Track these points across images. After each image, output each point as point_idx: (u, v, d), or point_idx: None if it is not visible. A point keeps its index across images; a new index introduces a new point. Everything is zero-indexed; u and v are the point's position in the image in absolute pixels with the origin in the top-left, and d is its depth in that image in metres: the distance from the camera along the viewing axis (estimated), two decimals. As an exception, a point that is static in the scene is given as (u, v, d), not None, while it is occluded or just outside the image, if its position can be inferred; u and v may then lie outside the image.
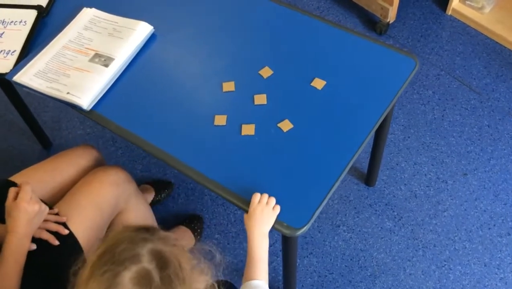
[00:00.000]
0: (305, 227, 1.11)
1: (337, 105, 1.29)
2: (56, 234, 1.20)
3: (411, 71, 1.35)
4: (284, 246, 1.28)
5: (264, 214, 1.10)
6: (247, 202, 1.14)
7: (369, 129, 1.24)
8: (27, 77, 1.37)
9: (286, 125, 1.26)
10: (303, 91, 1.32)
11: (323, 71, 1.36)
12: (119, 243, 0.79)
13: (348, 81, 1.34)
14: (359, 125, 1.25)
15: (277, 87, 1.34)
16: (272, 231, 1.14)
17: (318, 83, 1.33)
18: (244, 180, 1.19)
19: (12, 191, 1.12)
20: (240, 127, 1.27)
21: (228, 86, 1.35)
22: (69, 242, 1.22)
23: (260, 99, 1.32)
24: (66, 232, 1.22)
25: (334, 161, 1.20)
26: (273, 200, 1.13)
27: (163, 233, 0.85)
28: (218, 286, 1.26)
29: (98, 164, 1.47)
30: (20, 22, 1.50)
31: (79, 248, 1.23)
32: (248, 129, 1.27)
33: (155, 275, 0.77)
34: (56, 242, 1.20)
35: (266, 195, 1.13)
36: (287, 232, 1.12)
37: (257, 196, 1.13)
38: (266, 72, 1.37)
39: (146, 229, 0.84)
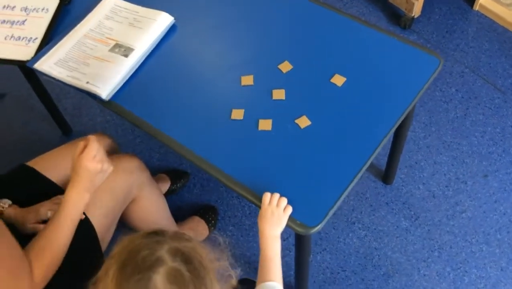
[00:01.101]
0: (318, 226, 1.10)
1: (357, 103, 1.27)
2: None
3: (435, 70, 1.32)
4: (297, 243, 1.27)
5: (274, 216, 1.09)
6: (261, 199, 1.14)
7: (388, 129, 1.22)
8: (48, 65, 1.38)
9: (303, 122, 1.25)
10: (322, 87, 1.31)
11: (344, 67, 1.33)
12: (136, 252, 0.79)
13: (369, 78, 1.31)
14: (378, 124, 1.23)
15: (296, 82, 1.32)
16: (286, 225, 1.13)
17: (338, 80, 1.31)
18: (259, 176, 1.18)
19: (80, 145, 1.11)
20: (257, 122, 1.26)
21: (247, 80, 1.34)
22: (85, 227, 1.23)
23: (279, 94, 1.31)
24: (82, 216, 1.23)
25: (351, 160, 1.19)
26: (284, 201, 1.11)
27: (172, 231, 0.86)
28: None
29: (112, 152, 1.48)
30: (43, 9, 1.51)
31: (94, 233, 1.24)
32: (265, 124, 1.26)
33: (184, 271, 0.78)
34: None
35: (276, 196, 1.11)
36: (300, 230, 1.11)
37: (267, 197, 1.11)
38: (285, 66, 1.35)
39: (155, 233, 0.84)
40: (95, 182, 1.12)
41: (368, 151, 1.19)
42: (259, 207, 1.13)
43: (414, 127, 1.98)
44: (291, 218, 1.12)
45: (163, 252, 0.79)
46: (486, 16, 2.29)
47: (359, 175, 1.16)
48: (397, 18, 2.30)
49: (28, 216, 1.21)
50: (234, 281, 0.90)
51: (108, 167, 1.14)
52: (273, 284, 1.08)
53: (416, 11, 2.22)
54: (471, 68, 2.13)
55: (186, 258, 0.79)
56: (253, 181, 1.17)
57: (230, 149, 1.23)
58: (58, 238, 1.06)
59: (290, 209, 1.11)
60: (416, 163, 1.90)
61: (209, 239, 1.74)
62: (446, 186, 1.84)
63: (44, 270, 1.02)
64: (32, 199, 1.25)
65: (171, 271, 0.77)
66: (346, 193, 1.14)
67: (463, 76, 2.11)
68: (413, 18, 2.24)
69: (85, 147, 1.10)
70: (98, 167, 1.11)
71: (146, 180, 1.44)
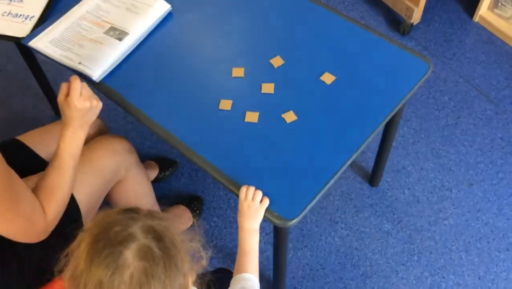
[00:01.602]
0: (295, 219, 1.11)
1: (344, 102, 1.29)
2: None
3: (423, 74, 1.33)
4: (275, 236, 1.29)
5: (251, 210, 1.11)
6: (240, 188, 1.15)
7: (372, 130, 1.23)
8: (42, 43, 1.39)
9: (290, 117, 1.26)
10: (311, 84, 1.32)
11: (334, 66, 1.35)
12: (109, 227, 0.80)
13: (358, 78, 1.33)
14: (363, 124, 1.25)
15: (286, 78, 1.34)
16: (264, 217, 1.14)
17: (328, 78, 1.33)
18: (241, 166, 1.19)
19: (63, 87, 1.11)
20: (244, 113, 1.27)
21: (238, 72, 1.35)
22: (69, 204, 1.24)
23: (268, 88, 1.32)
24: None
25: (334, 157, 1.20)
26: (259, 194, 1.12)
27: (145, 210, 0.87)
28: (215, 273, 1.28)
29: (102, 133, 1.50)
30: (42, -12, 1.52)
31: (78, 211, 1.26)
32: (252, 117, 1.27)
33: (155, 248, 0.79)
34: None
35: (252, 190, 1.12)
36: (277, 222, 1.12)
37: (243, 192, 1.13)
38: (277, 61, 1.37)
39: (130, 209, 0.85)
40: (87, 119, 1.14)
41: (351, 150, 1.20)
42: (236, 195, 1.15)
43: (404, 132, 1.99)
44: (269, 210, 1.13)
45: (136, 228, 0.80)
46: (485, 28, 2.30)
47: (340, 172, 1.17)
48: (397, 24, 2.31)
49: None
50: (204, 262, 0.92)
51: (97, 103, 1.15)
52: (248, 276, 1.09)
53: (416, 18, 2.23)
54: (466, 78, 2.14)
55: (158, 236, 0.81)
56: (235, 171, 1.19)
57: (214, 138, 1.24)
58: (62, 176, 1.09)
59: (267, 202, 1.12)
60: (404, 168, 1.92)
61: (191, 229, 1.75)
62: (431, 193, 1.85)
63: (55, 208, 1.07)
64: (20, 172, 1.27)
65: (142, 248, 0.78)
66: (325, 189, 1.16)
67: (457, 86, 2.13)
68: (412, 24, 2.25)
69: (67, 89, 1.10)
70: (87, 105, 1.11)
71: (134, 162, 1.45)
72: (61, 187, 1.09)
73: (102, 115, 2.04)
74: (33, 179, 1.24)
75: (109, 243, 0.79)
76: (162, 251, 0.80)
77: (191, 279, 0.85)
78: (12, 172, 0.98)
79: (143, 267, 0.77)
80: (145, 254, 0.78)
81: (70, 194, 1.12)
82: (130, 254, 0.78)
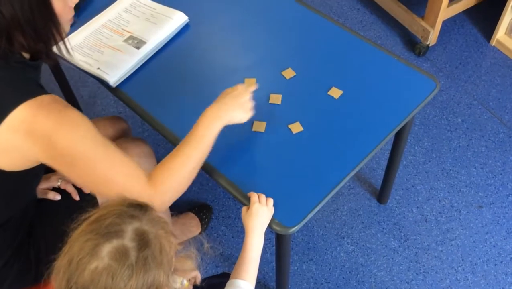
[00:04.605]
0: (295, 227, 1.14)
1: (350, 116, 1.31)
2: (79, 191, 1.30)
3: (430, 92, 1.35)
4: (277, 244, 1.31)
5: (268, 215, 1.13)
6: (245, 195, 1.18)
7: (375, 145, 1.25)
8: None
9: (296, 128, 1.30)
10: (319, 98, 1.35)
11: (342, 81, 1.38)
12: (109, 215, 0.82)
13: (365, 94, 1.36)
14: (367, 139, 1.27)
15: (295, 90, 1.37)
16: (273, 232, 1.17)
17: (335, 92, 1.36)
18: (246, 173, 1.22)
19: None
20: (252, 123, 1.31)
21: (249, 82, 1.39)
22: (89, 201, 1.29)
23: (275, 98, 1.36)
24: (88, 191, 1.29)
25: (337, 169, 1.22)
26: (271, 201, 1.15)
27: (155, 214, 0.86)
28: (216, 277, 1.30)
29: (124, 135, 1.56)
30: (68, -3, 1.59)
31: (97, 206, 1.30)
32: (259, 126, 1.31)
33: (132, 254, 0.79)
34: (77, 198, 1.28)
35: (263, 196, 1.16)
36: (277, 229, 1.15)
37: (255, 195, 1.15)
38: (288, 73, 1.41)
39: (140, 207, 0.85)
40: (233, 115, 1.17)
41: (353, 163, 1.22)
42: (240, 201, 1.18)
43: (415, 151, 2.00)
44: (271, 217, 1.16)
45: (129, 228, 0.81)
46: (501, 52, 2.31)
47: (341, 184, 1.20)
48: (413, 44, 2.34)
49: (40, 182, 1.27)
50: (187, 285, 0.93)
51: (251, 112, 1.20)
52: (244, 284, 1.08)
53: (432, 39, 2.26)
54: (480, 100, 2.15)
55: (143, 243, 0.80)
56: (239, 178, 1.22)
57: (221, 145, 1.27)
58: (186, 151, 1.13)
59: (273, 209, 1.15)
60: (413, 186, 1.92)
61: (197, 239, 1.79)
62: (440, 212, 1.85)
63: (164, 176, 1.10)
64: (46, 168, 1.33)
65: (120, 248, 0.79)
66: (326, 200, 1.18)
67: (471, 108, 2.13)
68: (428, 46, 2.27)
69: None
70: (248, 103, 1.19)
71: (153, 167, 1.50)
72: (179, 160, 1.12)
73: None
74: (58, 173, 1.29)
75: (96, 230, 0.80)
76: (137, 259, 0.79)
77: None
78: (107, 141, 1.05)
79: (109, 266, 0.78)
80: (118, 255, 0.78)
81: (189, 172, 1.13)
82: (105, 250, 0.78)
